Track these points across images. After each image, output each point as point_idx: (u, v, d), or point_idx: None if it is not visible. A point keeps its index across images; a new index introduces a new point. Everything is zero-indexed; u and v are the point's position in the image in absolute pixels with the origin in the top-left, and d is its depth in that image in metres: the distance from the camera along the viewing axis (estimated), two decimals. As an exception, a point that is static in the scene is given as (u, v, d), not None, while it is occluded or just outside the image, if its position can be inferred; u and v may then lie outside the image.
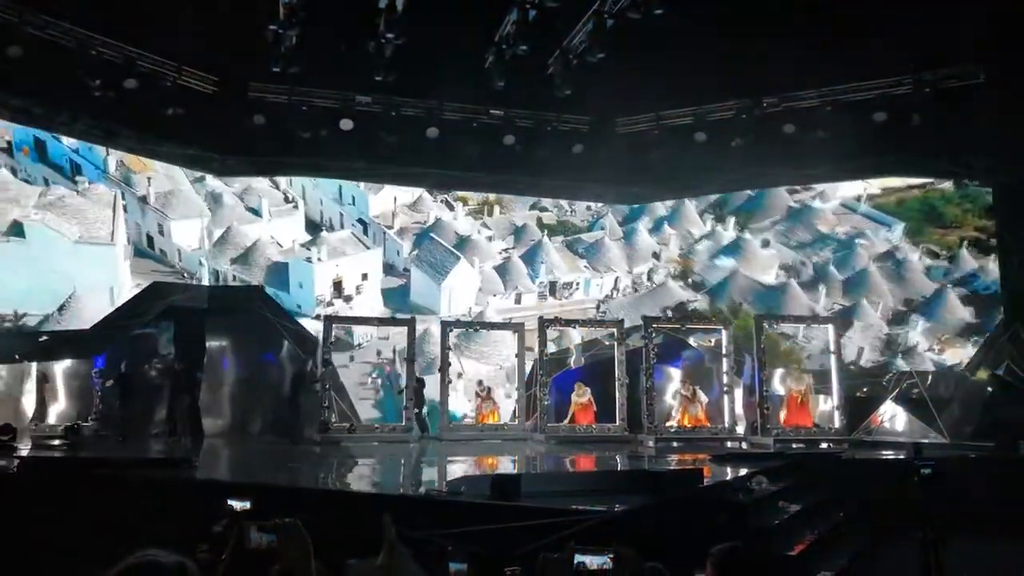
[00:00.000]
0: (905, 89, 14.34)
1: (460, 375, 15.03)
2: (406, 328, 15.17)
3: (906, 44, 13.20)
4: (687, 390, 14.73)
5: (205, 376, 14.67)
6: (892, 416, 14.32)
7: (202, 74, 14.45)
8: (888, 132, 14.43)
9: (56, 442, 12.47)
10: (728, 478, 8.98)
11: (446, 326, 15.27)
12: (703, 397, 14.66)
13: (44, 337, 13.38)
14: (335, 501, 7.73)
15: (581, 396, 14.97)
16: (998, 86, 13.45)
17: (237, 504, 5.38)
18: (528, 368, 15.60)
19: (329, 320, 14.83)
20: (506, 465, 11.61)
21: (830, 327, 14.16)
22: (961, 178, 15.00)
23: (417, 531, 4.78)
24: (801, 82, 14.86)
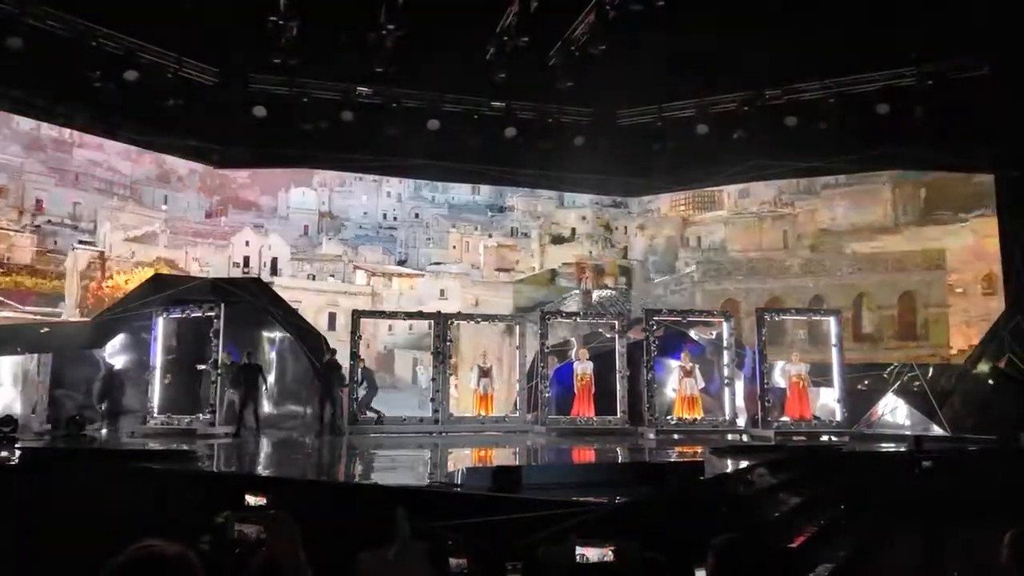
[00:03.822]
0: (908, 81, 14.31)
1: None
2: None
3: (909, 35, 13.15)
4: (686, 362, 14.75)
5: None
6: (893, 409, 14.33)
7: (203, 65, 14.45)
8: (891, 124, 14.40)
9: (98, 430, 12.40)
10: (729, 470, 8.96)
11: (446, 318, 15.27)
12: (699, 376, 14.63)
13: (45, 329, 13.31)
14: (334, 492, 7.73)
15: (583, 371, 14.95)
16: (1001, 77, 13.41)
17: (251, 499, 5.34)
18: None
19: (357, 314, 14.82)
20: (507, 457, 11.61)
21: (832, 319, 14.11)
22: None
23: (419, 523, 4.78)
24: (803, 74, 14.82)
